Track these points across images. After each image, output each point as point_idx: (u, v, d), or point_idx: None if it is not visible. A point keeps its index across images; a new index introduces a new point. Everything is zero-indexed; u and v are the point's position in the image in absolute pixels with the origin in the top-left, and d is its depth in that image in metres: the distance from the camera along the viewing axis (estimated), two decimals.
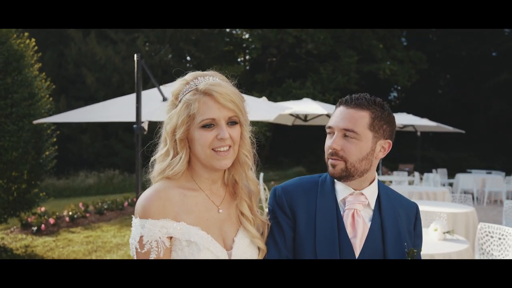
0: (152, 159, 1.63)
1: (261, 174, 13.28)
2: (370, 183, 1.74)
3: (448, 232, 4.49)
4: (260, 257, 1.65)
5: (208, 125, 1.52)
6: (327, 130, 1.73)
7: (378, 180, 1.80)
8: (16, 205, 7.86)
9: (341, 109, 1.70)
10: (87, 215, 10.05)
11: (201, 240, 1.50)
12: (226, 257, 1.55)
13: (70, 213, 9.66)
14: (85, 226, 9.27)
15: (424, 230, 5.04)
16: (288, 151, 25.61)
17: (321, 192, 1.74)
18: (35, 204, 8.20)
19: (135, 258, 1.48)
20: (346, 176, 1.68)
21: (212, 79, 1.56)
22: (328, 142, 1.71)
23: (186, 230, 1.49)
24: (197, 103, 1.51)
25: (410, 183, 13.53)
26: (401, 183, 12.85)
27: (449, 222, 5.67)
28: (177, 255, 1.49)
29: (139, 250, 1.46)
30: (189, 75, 1.60)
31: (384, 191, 1.79)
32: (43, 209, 9.56)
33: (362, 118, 1.65)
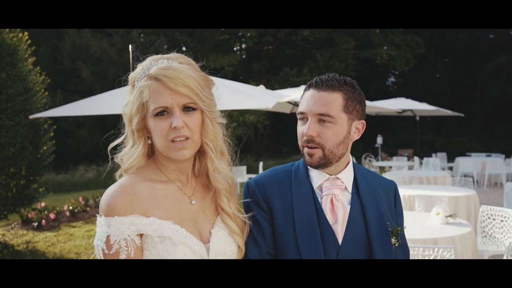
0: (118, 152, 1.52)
1: (261, 163, 13.26)
2: (345, 166, 1.69)
3: (450, 216, 4.48)
4: (239, 253, 1.55)
5: (161, 113, 1.39)
6: (299, 116, 1.65)
7: (354, 162, 1.75)
8: (16, 201, 7.83)
9: (312, 92, 1.62)
10: (88, 209, 10.04)
11: (175, 234, 1.37)
12: (204, 251, 1.44)
13: (71, 207, 9.64)
14: (86, 220, 9.26)
15: (426, 215, 5.05)
16: (287, 140, 25.59)
17: (295, 181, 1.67)
18: (35, 200, 8.18)
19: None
20: (325, 163, 1.61)
21: (166, 63, 1.42)
22: (302, 128, 1.63)
23: (158, 225, 1.36)
24: (148, 90, 1.38)
25: (410, 168, 13.53)
26: (401, 168, 12.86)
27: (451, 206, 5.66)
28: (150, 253, 1.37)
29: (106, 251, 1.32)
30: (147, 59, 1.48)
31: (360, 172, 1.73)
32: (43, 204, 9.55)
33: (335, 100, 1.58)
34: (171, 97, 1.38)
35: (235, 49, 27.60)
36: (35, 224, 8.52)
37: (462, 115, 16.13)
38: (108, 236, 1.32)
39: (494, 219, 5.09)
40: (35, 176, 8.04)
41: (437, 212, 4.49)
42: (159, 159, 1.49)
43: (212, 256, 1.46)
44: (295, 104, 10.65)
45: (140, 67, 1.47)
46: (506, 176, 13.76)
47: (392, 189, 1.78)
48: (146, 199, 1.39)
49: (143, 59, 1.52)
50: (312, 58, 24.51)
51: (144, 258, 1.38)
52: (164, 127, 1.39)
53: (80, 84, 20.48)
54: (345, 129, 1.61)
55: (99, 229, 1.35)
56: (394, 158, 15.69)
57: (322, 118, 1.58)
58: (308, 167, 1.68)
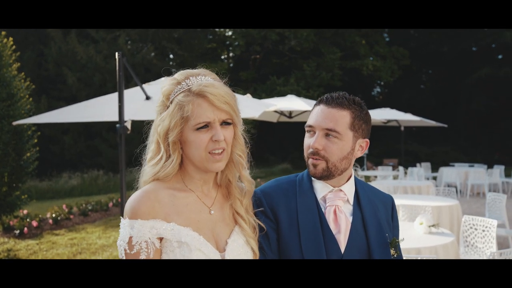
0: (144, 163, 1.59)
1: (247, 172, 13.26)
2: (347, 179, 1.77)
3: (433, 225, 4.53)
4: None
5: (203, 127, 1.49)
6: (307, 129, 1.73)
7: (354, 176, 1.84)
8: None
9: (322, 107, 1.70)
10: (71, 216, 9.89)
11: (192, 240, 1.46)
12: (219, 258, 1.51)
13: (54, 215, 9.48)
14: (69, 228, 9.12)
15: (409, 224, 5.10)
16: (274, 148, 25.64)
17: (300, 192, 1.75)
18: (17, 207, 8.05)
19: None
20: (327, 175, 1.69)
21: (204, 79, 1.52)
22: (309, 141, 1.71)
23: (177, 231, 1.46)
24: (191, 105, 1.47)
25: (395, 177, 13.66)
26: (386, 177, 12.96)
27: (434, 216, 5.73)
28: (168, 256, 1.46)
29: (128, 251, 1.42)
30: (179, 74, 1.55)
31: (360, 186, 1.82)
32: (25, 211, 9.38)
33: (343, 117, 1.66)
34: (213, 113, 1.48)
35: (222, 57, 27.68)
36: (17, 231, 8.36)
37: (445, 125, 16.38)
38: (130, 237, 1.42)
39: (476, 229, 5.17)
40: (17, 183, 7.92)
41: (421, 221, 4.54)
42: (187, 169, 1.58)
43: None
44: (282, 113, 10.71)
45: (172, 81, 1.55)
46: (488, 186, 13.99)
47: (389, 203, 1.88)
48: (167, 206, 1.49)
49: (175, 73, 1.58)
50: (299, 68, 24.69)
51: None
52: (204, 140, 1.49)
53: (65, 90, 20.29)
54: (350, 145, 1.69)
55: (123, 230, 1.44)
56: (379, 167, 15.83)
57: (329, 133, 1.66)
58: (312, 178, 1.76)
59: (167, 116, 1.51)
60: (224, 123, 1.52)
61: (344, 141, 1.67)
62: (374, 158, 21.15)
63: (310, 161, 1.70)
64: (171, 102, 1.52)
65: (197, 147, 1.50)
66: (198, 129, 1.48)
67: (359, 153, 1.75)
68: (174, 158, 1.53)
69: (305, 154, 1.73)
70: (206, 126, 1.49)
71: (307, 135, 1.74)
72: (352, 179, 1.79)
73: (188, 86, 1.50)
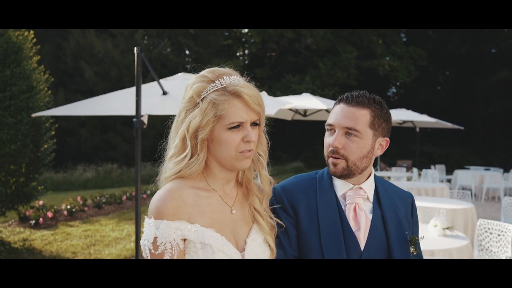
0: (167, 158, 1.59)
1: None
2: (367, 177, 1.77)
3: (447, 228, 4.49)
4: (272, 258, 1.63)
5: (236, 127, 1.50)
6: (327, 127, 1.73)
7: (374, 174, 1.83)
8: (14, 198, 7.83)
9: (342, 106, 1.70)
10: (85, 208, 10.04)
11: (215, 242, 1.48)
12: (240, 258, 1.53)
13: (68, 206, 9.64)
14: (83, 220, 9.26)
15: (423, 226, 5.06)
16: (286, 146, 25.60)
17: (320, 189, 1.75)
18: (33, 198, 8.17)
19: (149, 259, 1.46)
20: (347, 174, 1.70)
21: (237, 79, 1.54)
22: (329, 139, 1.71)
23: (201, 233, 1.47)
24: (226, 104, 1.48)
25: (409, 179, 13.54)
26: (400, 179, 12.86)
27: (448, 218, 5.68)
28: (191, 257, 1.48)
29: (153, 251, 1.44)
30: (210, 73, 1.56)
31: (380, 184, 1.82)
32: (41, 202, 9.54)
33: (363, 116, 1.66)
34: (246, 113, 1.50)
35: (238, 54, 27.71)
36: (33, 222, 8.53)
37: (462, 128, 16.17)
38: (155, 238, 1.43)
39: (491, 233, 5.11)
40: (34, 174, 8.04)
41: (435, 224, 4.51)
42: (211, 168, 1.58)
43: None
44: (297, 112, 10.69)
45: (203, 78, 1.55)
46: (504, 190, 13.78)
47: (409, 200, 1.87)
48: (191, 206, 1.50)
49: (195, 68, 1.61)
50: (314, 66, 24.60)
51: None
52: (236, 139, 1.50)
53: (82, 84, 20.53)
54: (370, 144, 1.69)
55: (147, 230, 1.45)
56: (393, 168, 15.70)
57: (349, 132, 1.66)
58: (332, 176, 1.76)
59: (199, 113, 1.50)
60: (253, 123, 1.54)
61: (364, 140, 1.67)
62: (388, 158, 20.98)
63: (330, 160, 1.71)
64: (202, 100, 1.51)
65: (228, 147, 1.51)
66: (230, 128, 1.49)
67: (378, 152, 1.75)
68: (201, 156, 1.53)
69: (325, 152, 1.73)
70: (238, 126, 1.50)
71: (327, 133, 1.74)
72: (372, 177, 1.79)
73: (222, 85, 1.51)
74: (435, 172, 13.40)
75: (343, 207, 1.72)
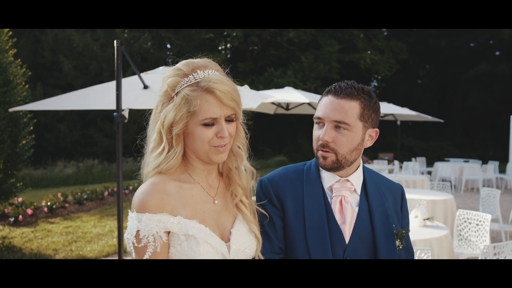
0: (148, 151, 1.58)
1: None
2: (356, 169, 1.75)
3: (428, 219, 4.57)
4: (258, 248, 1.63)
5: (209, 124, 1.50)
6: (316, 121, 1.70)
7: (363, 165, 1.81)
8: None
9: (331, 98, 1.66)
10: (66, 205, 9.88)
11: (199, 233, 1.48)
12: (225, 249, 1.53)
13: (49, 203, 9.47)
14: (64, 217, 9.12)
15: None
16: (269, 140, 25.63)
17: (307, 181, 1.73)
18: (12, 195, 8.03)
19: (133, 253, 1.46)
20: (337, 167, 1.68)
21: (211, 73, 1.51)
22: (318, 132, 1.68)
23: (184, 224, 1.47)
24: (199, 100, 1.47)
25: (390, 171, 13.71)
26: (381, 171, 13.00)
27: (429, 209, 5.77)
28: (176, 250, 1.48)
29: (136, 244, 1.44)
30: (185, 66, 1.54)
31: (369, 176, 1.80)
32: (20, 199, 9.36)
33: (353, 108, 1.63)
34: (220, 109, 1.49)
35: (220, 48, 27.54)
36: (12, 219, 8.35)
37: (442, 121, 16.43)
38: (138, 231, 1.43)
39: (470, 223, 5.21)
40: (13, 171, 7.89)
41: (416, 215, 4.58)
42: (190, 161, 1.59)
43: (232, 254, 1.54)
44: (279, 105, 10.70)
45: (177, 72, 1.53)
46: (483, 181, 14.09)
47: (399, 192, 1.85)
48: (174, 197, 1.50)
49: (175, 62, 1.59)
50: (296, 60, 24.63)
51: (170, 254, 1.49)
52: (209, 135, 1.50)
53: (61, 78, 20.15)
54: (360, 136, 1.67)
55: (130, 224, 1.45)
56: (375, 161, 15.87)
57: (339, 125, 1.63)
58: (320, 168, 1.74)
59: (172, 109, 1.50)
60: (229, 119, 1.54)
61: (353, 133, 1.65)
62: (369, 151, 21.16)
63: (319, 153, 1.68)
64: (176, 94, 1.51)
65: (202, 142, 1.51)
66: (204, 124, 1.49)
67: (368, 143, 1.73)
68: (177, 150, 1.53)
69: (314, 145, 1.71)
70: (212, 122, 1.50)
71: (315, 126, 1.71)
72: (360, 168, 1.77)
73: (196, 80, 1.49)
74: (416, 165, 13.61)
75: (329, 199, 1.70)
